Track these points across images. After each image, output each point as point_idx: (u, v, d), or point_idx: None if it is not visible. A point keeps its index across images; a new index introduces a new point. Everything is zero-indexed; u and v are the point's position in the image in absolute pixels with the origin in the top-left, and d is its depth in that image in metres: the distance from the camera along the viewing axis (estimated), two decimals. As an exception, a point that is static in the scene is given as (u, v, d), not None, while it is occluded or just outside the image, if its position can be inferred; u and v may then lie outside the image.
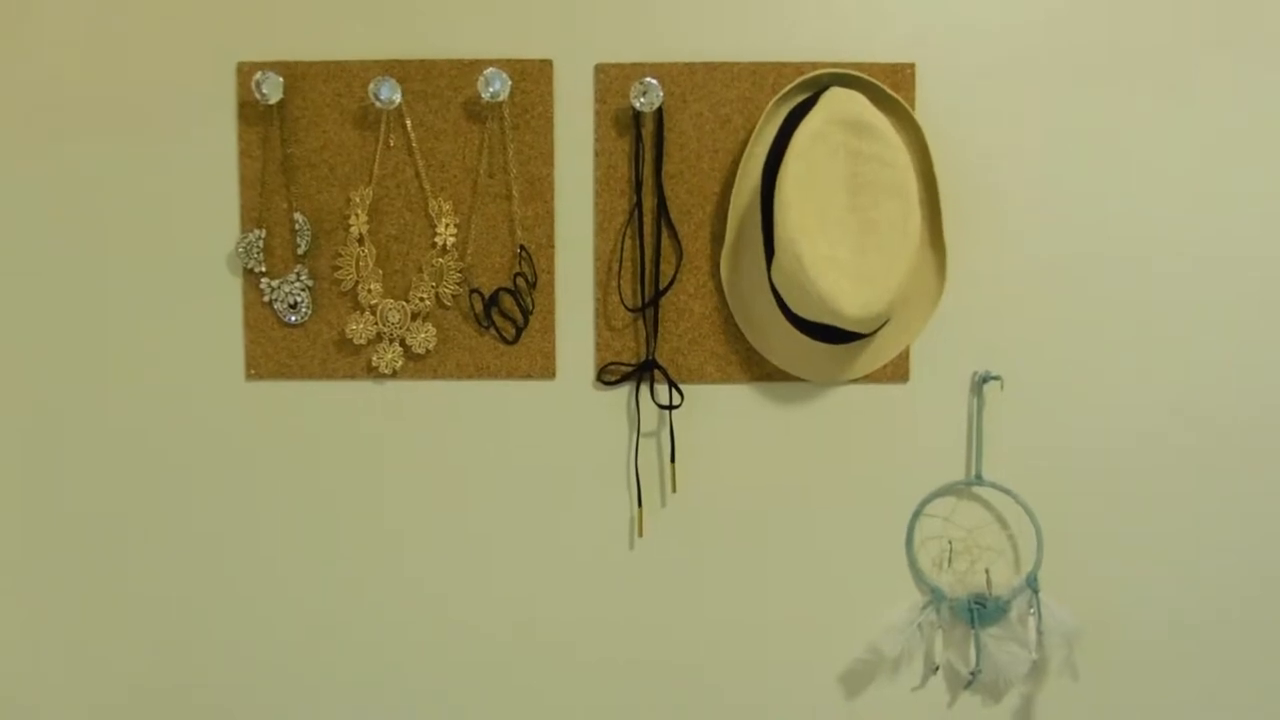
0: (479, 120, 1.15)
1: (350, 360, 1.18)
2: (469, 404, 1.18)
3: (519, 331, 1.16)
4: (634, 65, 1.15)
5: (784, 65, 1.14)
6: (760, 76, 1.14)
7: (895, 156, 1.06)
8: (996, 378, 1.16)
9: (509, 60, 1.15)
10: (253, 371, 1.18)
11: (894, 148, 1.06)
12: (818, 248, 1.05)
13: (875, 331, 1.11)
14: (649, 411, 1.18)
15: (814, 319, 1.07)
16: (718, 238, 1.16)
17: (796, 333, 1.12)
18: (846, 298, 1.04)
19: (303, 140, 1.16)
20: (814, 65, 1.14)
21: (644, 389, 1.17)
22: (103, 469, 1.19)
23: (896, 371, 1.17)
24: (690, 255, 1.16)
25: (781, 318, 1.12)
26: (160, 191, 1.17)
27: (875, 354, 1.16)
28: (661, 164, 1.14)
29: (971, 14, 1.15)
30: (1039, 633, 1.16)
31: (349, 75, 1.15)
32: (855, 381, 1.18)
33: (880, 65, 1.14)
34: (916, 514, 1.19)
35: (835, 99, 1.07)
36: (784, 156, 1.07)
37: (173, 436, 1.19)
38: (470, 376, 1.18)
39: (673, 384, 1.16)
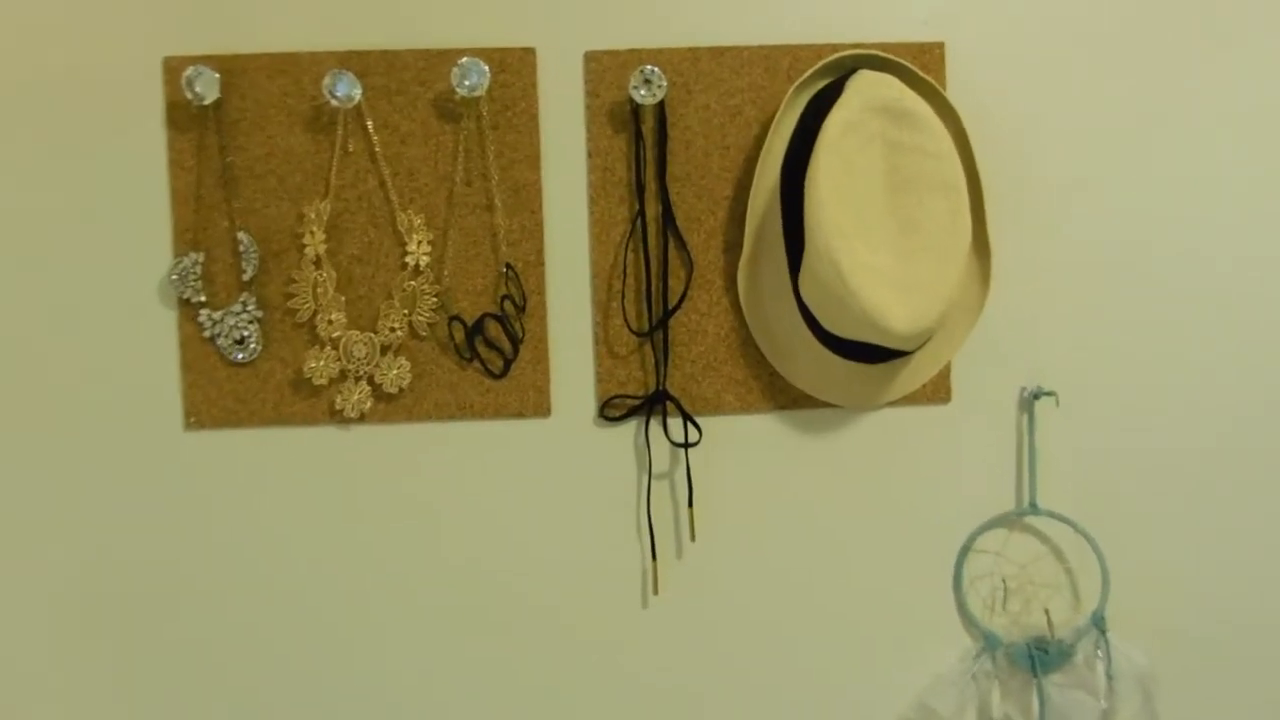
0: (453, 119, 0.99)
1: (309, 403, 1.01)
2: (451, 449, 1.02)
3: (507, 363, 1.00)
4: (630, 52, 1.00)
5: (800, 48, 1.00)
6: (774, 61, 1.00)
7: (939, 146, 0.93)
8: (1049, 393, 1.03)
9: (486, 49, 0.99)
10: (193, 419, 1.00)
11: (937, 137, 0.93)
12: (857, 254, 0.90)
13: (918, 348, 0.97)
14: (661, 450, 1.03)
15: (853, 337, 0.93)
16: (732, 247, 1.01)
17: (826, 353, 0.98)
18: (893, 311, 0.90)
19: (245, 147, 0.99)
20: (834, 47, 1.00)
21: (654, 424, 1.02)
22: (18, 539, 1.00)
23: (937, 391, 1.04)
24: (702, 269, 1.01)
25: (809, 336, 0.98)
26: (75, 211, 0.99)
27: (913, 373, 1.02)
28: (665, 165, 1.00)
29: (1006, -13, 1.03)
30: (1109, 677, 1.03)
31: (298, 69, 0.98)
32: (892, 405, 1.04)
33: (906, 45, 1.01)
34: (964, 550, 1.05)
35: (867, 83, 0.93)
36: (812, 150, 0.92)
37: (99, 499, 1.01)
38: (452, 417, 1.01)
39: (687, 417, 1.01)
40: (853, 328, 0.92)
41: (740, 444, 1.03)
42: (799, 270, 0.95)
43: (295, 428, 1.01)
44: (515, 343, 1.00)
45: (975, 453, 1.05)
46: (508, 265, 1.00)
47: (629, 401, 1.02)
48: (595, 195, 1.00)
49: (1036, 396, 1.04)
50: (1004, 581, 1.06)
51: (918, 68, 0.99)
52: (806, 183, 0.92)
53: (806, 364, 1.00)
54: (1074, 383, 1.04)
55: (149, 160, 0.99)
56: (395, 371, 0.99)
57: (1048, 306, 1.04)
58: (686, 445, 1.01)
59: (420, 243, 0.99)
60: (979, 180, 0.99)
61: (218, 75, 0.96)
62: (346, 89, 0.95)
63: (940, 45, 1.01)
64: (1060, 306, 1.04)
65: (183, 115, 0.99)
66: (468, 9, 0.99)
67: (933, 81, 0.99)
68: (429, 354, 1.01)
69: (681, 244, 1.01)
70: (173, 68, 0.98)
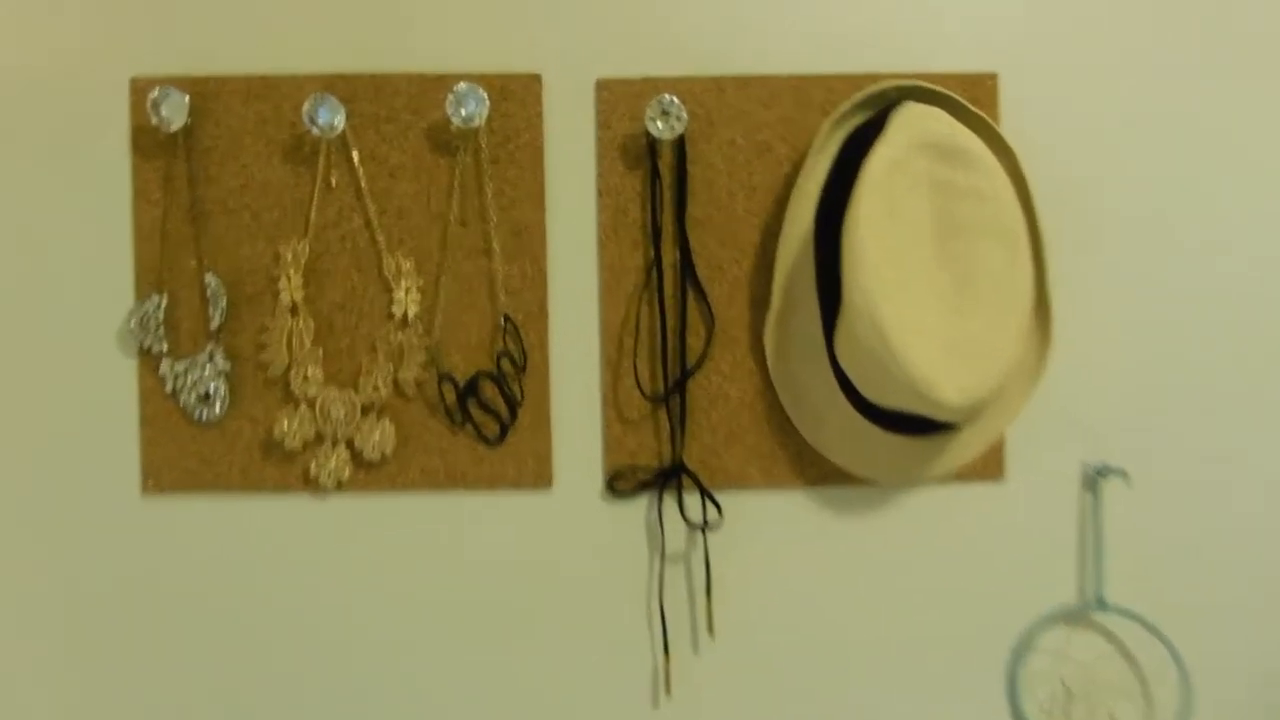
0: (448, 152, 0.89)
1: (281, 469, 0.89)
2: (440, 524, 0.90)
3: (504, 428, 0.89)
4: (646, 80, 0.89)
5: (836, 78, 0.90)
6: (806, 93, 0.89)
7: (995, 188, 0.81)
8: (1117, 471, 0.91)
9: (487, 75, 0.89)
10: (151, 483, 0.89)
11: (993, 177, 0.81)
12: (902, 312, 0.79)
13: (970, 420, 0.85)
14: (676, 530, 0.90)
15: (897, 407, 0.81)
16: (759, 301, 0.90)
17: (864, 423, 0.86)
18: (943, 379, 0.78)
19: (217, 178, 0.89)
20: (874, 77, 0.89)
21: (669, 501, 0.90)
22: (-55, 620, 0.89)
23: (989, 467, 0.91)
24: (724, 325, 0.90)
25: (845, 404, 0.86)
26: (28, 246, 0.89)
27: (962, 446, 0.90)
28: (684, 207, 0.89)
29: (1065, 10, 0.91)
30: (1187, 804, 0.89)
31: (277, 93, 0.88)
32: (937, 482, 0.91)
33: (954, 76, 0.90)
34: (1020, 649, 0.92)
35: (914, 117, 0.82)
36: (851, 192, 0.81)
37: (46, 568, 0.89)
38: (441, 488, 0.90)
39: (706, 494, 0.89)
40: (896, 396, 0.80)
41: (765, 524, 0.91)
42: (835, 329, 0.83)
43: (264, 496, 0.90)
44: (513, 405, 0.89)
45: (1032, 538, 0.92)
46: (506, 317, 0.89)
47: (640, 474, 0.90)
48: (606, 240, 0.89)
49: (1103, 474, 0.91)
50: (1065, 685, 0.92)
51: (968, 100, 0.88)
52: (844, 229, 0.80)
53: (841, 435, 0.88)
54: (1146, 459, 0.92)
55: (111, 191, 0.89)
56: (378, 435, 0.88)
57: (1115, 371, 0.92)
58: (705, 527, 0.89)
59: (409, 290, 0.88)
60: (1038, 226, 0.87)
61: (187, 98, 0.86)
62: (328, 116, 0.85)
63: (993, 76, 0.90)
64: (1130, 371, 0.92)
65: (149, 142, 0.89)
66: (467, 31, 0.89)
67: (985, 116, 0.88)
68: (416, 416, 0.89)
69: (702, 296, 0.89)
70: (140, 89, 0.88)
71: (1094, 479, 0.92)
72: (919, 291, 0.80)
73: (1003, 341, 0.80)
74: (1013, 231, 0.81)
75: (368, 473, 0.89)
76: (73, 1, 0.89)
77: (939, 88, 0.87)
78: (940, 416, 0.80)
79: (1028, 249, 0.81)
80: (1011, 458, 0.92)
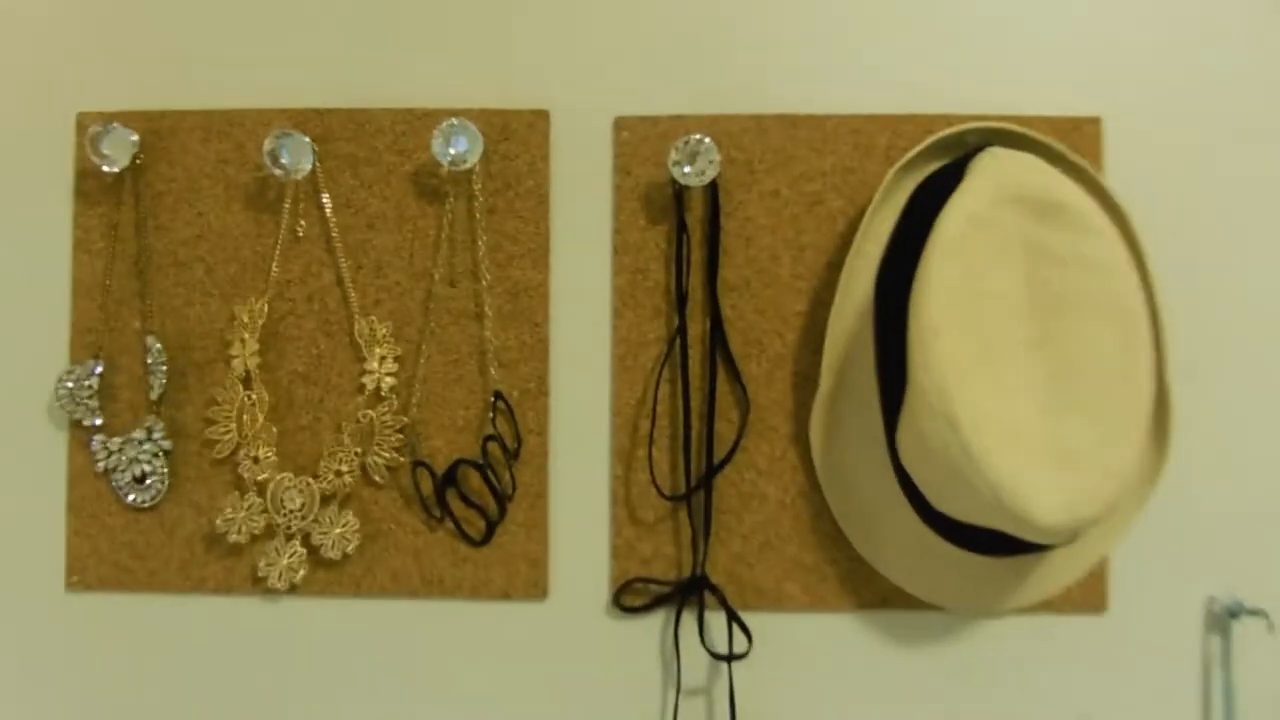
0: (436, 199, 0.75)
1: (225, 566, 0.75)
2: (410, 639, 0.75)
3: (491, 526, 0.74)
4: (673, 119, 0.75)
5: (903, 119, 0.74)
6: (868, 135, 0.74)
7: (1105, 255, 0.65)
8: (1254, 612, 0.72)
9: (486, 110, 0.75)
10: (75, 579, 0.76)
11: (1102, 241, 0.65)
12: (984, 405, 0.62)
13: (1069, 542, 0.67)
14: (696, 657, 0.74)
15: (975, 522, 0.65)
16: (804, 382, 0.74)
17: (932, 536, 0.69)
18: (1038, 493, 0.61)
19: (168, 226, 0.76)
20: (948, 119, 0.74)
21: (688, 621, 0.73)
22: None
23: (1088, 596, 0.74)
24: (761, 410, 0.74)
25: (908, 513, 0.69)
26: (-51, 303, 0.77)
27: (1055, 570, 0.72)
28: (716, 268, 0.74)
29: (1182, 43, 0.76)
30: None
31: (238, 129, 0.76)
32: (1022, 612, 0.74)
33: (1047, 119, 0.74)
34: (1124, 827, 0.73)
35: (1002, 164, 0.67)
36: (921, 256, 0.65)
37: (-54, 683, 0.76)
38: (413, 595, 0.75)
39: (733, 615, 0.72)
40: (975, 509, 0.63)
41: (806, 654, 0.74)
42: (898, 420, 0.67)
43: (205, 597, 0.76)
44: (502, 500, 0.73)
45: (1139, 686, 0.74)
46: (498, 394, 0.74)
47: (655, 588, 0.74)
48: (621, 305, 0.75)
49: (1235, 614, 0.73)
50: None
51: (1066, 149, 0.72)
52: (913, 300, 0.64)
53: (903, 549, 0.72)
54: (1288, 594, 0.73)
55: (49, 239, 0.77)
56: (340, 530, 0.73)
57: (1248, 484, 0.74)
58: (731, 657, 0.72)
59: (384, 359, 0.74)
60: (1157, 303, 0.70)
61: (135, 135, 0.74)
62: (296, 156, 0.72)
63: (1094, 121, 0.75)
64: (1267, 485, 0.74)
65: (94, 185, 0.76)
66: (462, 59, 0.76)
67: (1087, 166, 0.72)
68: (386, 509, 0.75)
69: (735, 375, 0.74)
70: (85, 125, 0.76)
71: (1223, 619, 0.73)
72: (1006, 381, 0.64)
73: (1117, 446, 0.63)
74: (1127, 308, 0.64)
75: (327, 573, 0.75)
76: (14, 27, 0.77)
77: (1030, 131, 0.71)
78: (1032, 537, 0.63)
79: (1146, 331, 0.64)
80: (1117, 587, 0.74)
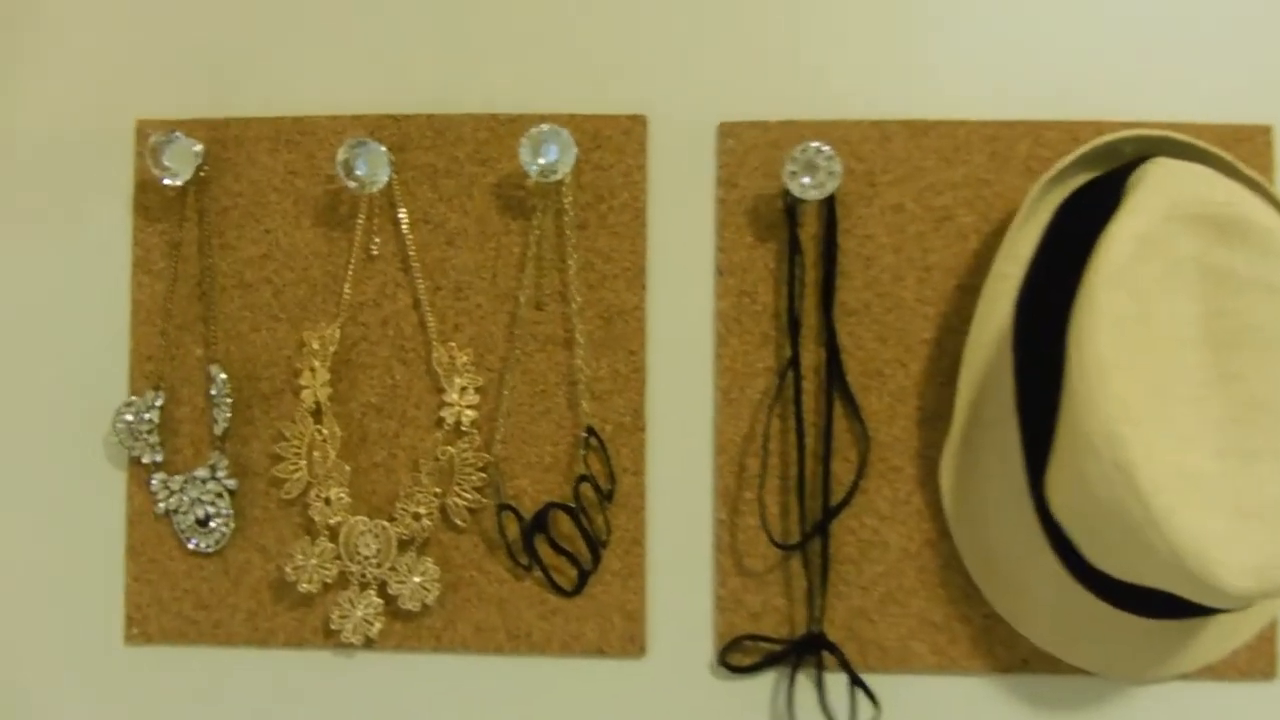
0: (522, 214, 0.68)
1: (295, 617, 0.69)
2: (497, 698, 0.68)
3: (584, 576, 0.67)
4: (785, 124, 0.67)
5: (1047, 126, 0.67)
6: (1004, 143, 0.66)
7: (1296, 281, 0.57)
8: None
9: (575, 116, 0.68)
10: (136, 631, 0.70)
11: (1292, 264, 0.57)
12: (1159, 453, 0.54)
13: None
14: (812, 728, 0.67)
15: (1144, 582, 0.57)
16: (932, 419, 0.66)
17: (1082, 594, 0.61)
18: (1225, 554, 0.53)
19: (234, 245, 0.70)
20: (1098, 126, 0.66)
21: (803, 683, 0.66)
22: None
23: (1255, 661, 0.65)
24: (882, 447, 0.66)
25: (1055, 565, 0.62)
26: (1, 330, 0.72)
27: (1219, 631, 0.64)
28: (833, 291, 0.66)
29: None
30: None
31: (308, 138, 0.69)
32: (1181, 678, 0.66)
33: (1210, 127, 0.66)
34: None
35: (1173, 177, 0.58)
36: (1083, 281, 0.57)
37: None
38: (499, 650, 0.68)
39: (856, 680, 0.65)
40: (1147, 570, 0.55)
41: (936, 724, 0.66)
42: (1046, 465, 0.59)
43: (274, 650, 0.69)
44: (596, 546, 0.67)
45: (1318, 762, 0.65)
46: (590, 430, 0.67)
47: (766, 646, 0.66)
48: (726, 332, 0.67)
49: None
50: None
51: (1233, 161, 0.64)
52: (1075, 332, 0.56)
53: (1046, 606, 0.64)
54: None
55: (106, 259, 0.71)
56: (419, 579, 0.67)
57: None
58: (852, 726, 0.65)
59: (465, 390, 0.67)
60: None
61: (199, 145, 0.68)
62: (371, 167, 0.65)
63: (1265, 130, 0.66)
64: None
65: (155, 200, 0.70)
66: (550, 61, 0.69)
67: (1262, 181, 0.63)
68: (468, 555, 0.68)
69: (854, 410, 0.66)
70: (148, 134, 0.70)
71: None
72: (1182, 424, 0.56)
73: (1311, 501, 0.54)
74: (1321, 341, 0.56)
75: (405, 625, 0.68)
76: (69, 26, 0.72)
77: (1195, 140, 0.63)
78: (1213, 604, 0.55)
79: (1346, 367, 0.56)
80: (1287, 647, 0.66)
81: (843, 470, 0.66)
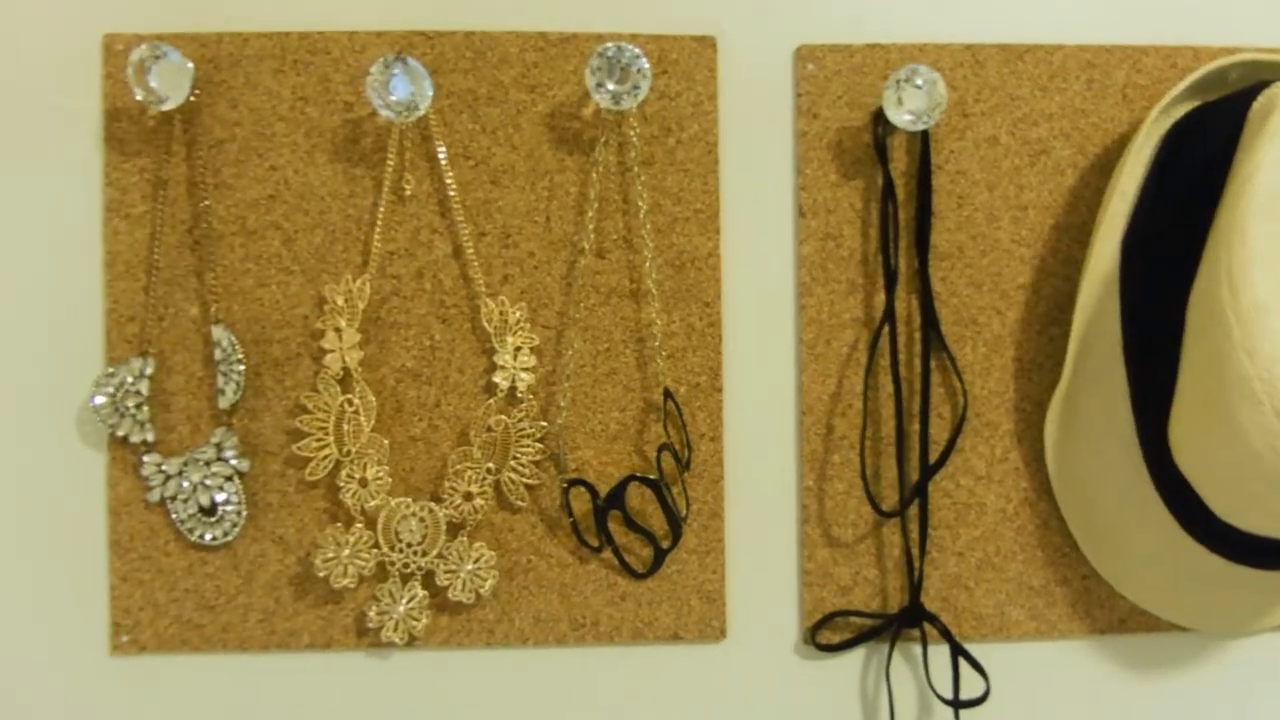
0: (580, 148, 0.60)
1: (321, 615, 0.59)
2: (561, 695, 0.61)
3: (661, 555, 0.60)
4: (871, 47, 0.61)
5: (1151, 51, 0.62)
6: (1102, 70, 0.62)
7: None
8: None
9: (638, 37, 0.60)
10: (125, 638, 0.59)
11: None
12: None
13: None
14: (913, 700, 0.62)
15: (1284, 537, 0.54)
16: (1027, 369, 0.62)
17: (1198, 550, 0.58)
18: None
19: (232, 185, 0.59)
20: (1196, 52, 0.62)
21: (901, 659, 0.61)
22: None
23: (1345, 607, 0.64)
24: (978, 402, 0.61)
25: (1165, 520, 0.58)
26: (-62, 287, 0.59)
27: (1321, 579, 0.62)
28: (927, 234, 0.60)
29: None
30: None
31: (322, 58, 0.59)
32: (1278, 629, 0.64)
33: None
34: None
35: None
36: (1223, 215, 0.53)
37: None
38: (562, 642, 0.60)
39: (961, 651, 0.60)
40: (1290, 523, 0.52)
41: (1037, 690, 0.62)
42: (1156, 417, 0.56)
43: (297, 655, 0.60)
44: (675, 522, 0.59)
45: (1403, 707, 0.64)
46: (666, 392, 0.60)
47: (858, 622, 0.61)
48: (809, 279, 0.61)
49: None
50: None
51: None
52: (1227, 269, 0.52)
53: (1152, 564, 0.60)
54: None
55: (73, 203, 0.59)
56: (471, 566, 0.58)
57: None
58: (958, 703, 0.60)
59: (519, 351, 0.59)
60: None
61: (189, 64, 0.56)
62: (407, 90, 0.56)
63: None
64: None
65: (133, 131, 0.59)
66: (616, -33, 0.61)
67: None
68: (527, 537, 0.60)
69: (951, 363, 0.61)
70: (118, 51, 0.58)
71: None
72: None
73: None
74: None
75: (453, 620, 0.60)
76: (15, -88, 0.59)
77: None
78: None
79: None
80: (1374, 594, 0.64)
81: (936, 427, 0.61)
